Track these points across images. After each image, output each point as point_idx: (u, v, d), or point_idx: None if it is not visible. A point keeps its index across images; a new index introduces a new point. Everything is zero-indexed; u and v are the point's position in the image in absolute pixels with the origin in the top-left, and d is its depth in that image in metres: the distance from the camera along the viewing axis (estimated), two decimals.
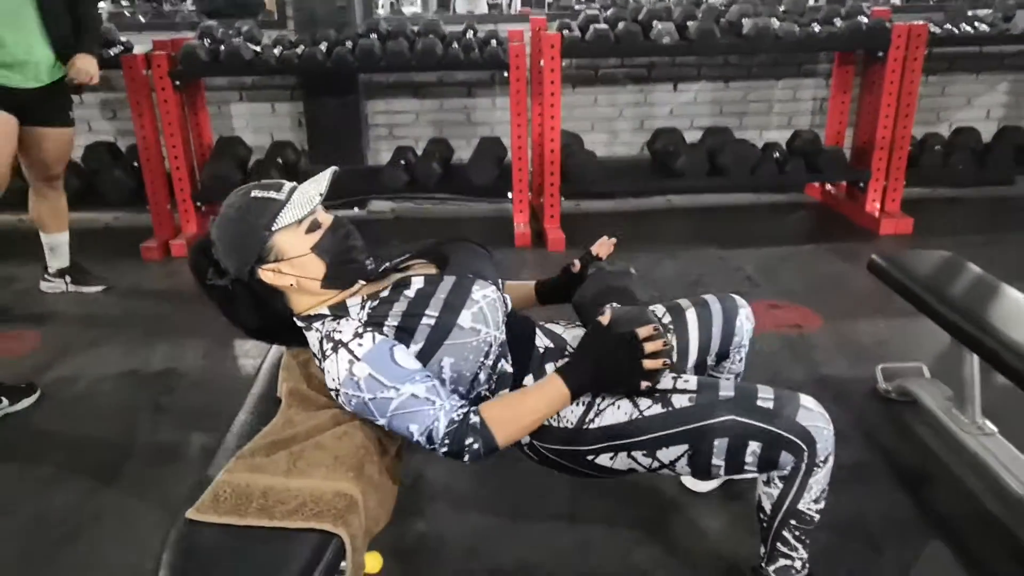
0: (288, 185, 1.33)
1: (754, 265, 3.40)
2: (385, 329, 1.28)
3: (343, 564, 1.13)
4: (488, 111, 4.43)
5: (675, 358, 1.57)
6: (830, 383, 2.39)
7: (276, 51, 3.66)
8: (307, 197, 1.30)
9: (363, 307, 1.32)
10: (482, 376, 1.34)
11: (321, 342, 1.30)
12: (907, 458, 2.02)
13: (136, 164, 3.75)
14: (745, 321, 1.63)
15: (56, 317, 3.03)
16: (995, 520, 1.77)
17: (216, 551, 1.09)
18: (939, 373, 2.25)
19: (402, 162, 3.86)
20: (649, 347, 1.26)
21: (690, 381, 1.35)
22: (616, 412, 1.32)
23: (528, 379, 1.41)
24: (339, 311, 1.33)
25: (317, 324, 1.33)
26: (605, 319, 1.30)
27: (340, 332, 1.27)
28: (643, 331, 1.26)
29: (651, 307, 1.63)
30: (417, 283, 1.34)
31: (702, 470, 1.33)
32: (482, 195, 4.08)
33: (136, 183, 3.77)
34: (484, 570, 1.66)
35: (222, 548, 1.09)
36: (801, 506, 1.35)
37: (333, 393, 1.29)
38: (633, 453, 1.33)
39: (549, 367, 1.42)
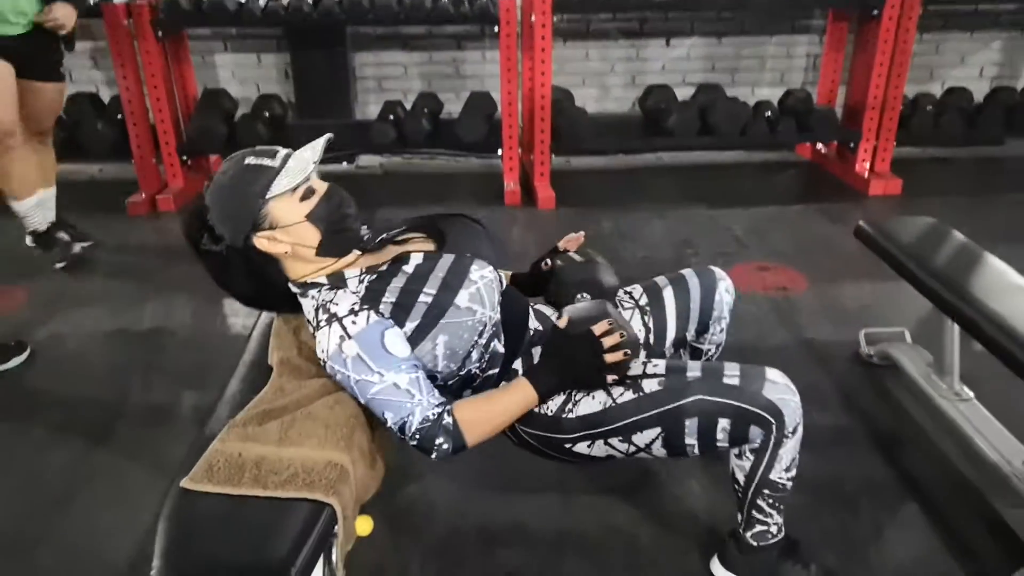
0: (282, 152, 1.32)
1: (743, 225, 3.41)
2: (382, 306, 1.28)
3: (336, 528, 1.17)
4: (478, 64, 4.36)
5: (647, 340, 1.61)
6: (814, 346, 2.43)
7: (261, 2, 3.57)
8: (301, 164, 1.29)
9: (361, 280, 1.32)
10: (474, 355, 1.36)
11: (317, 311, 1.30)
12: (886, 422, 2.07)
13: (120, 116, 3.68)
14: (724, 294, 1.64)
15: (43, 273, 3.01)
16: (967, 483, 1.83)
17: (211, 520, 1.12)
18: (921, 337, 2.29)
19: (391, 117, 3.81)
20: (607, 342, 1.29)
21: (659, 365, 1.38)
22: (591, 402, 1.36)
23: (517, 362, 1.43)
24: (337, 281, 1.33)
25: (313, 292, 1.34)
26: (562, 322, 1.34)
27: (336, 305, 1.28)
28: (599, 328, 1.30)
29: (628, 288, 1.67)
30: (416, 259, 1.35)
31: (677, 451, 1.37)
32: (472, 151, 4.04)
33: (120, 135, 3.71)
34: (472, 529, 1.71)
35: (217, 517, 1.12)
36: (773, 476, 1.40)
37: (321, 363, 1.30)
38: (610, 440, 1.36)
39: (536, 351, 1.44)
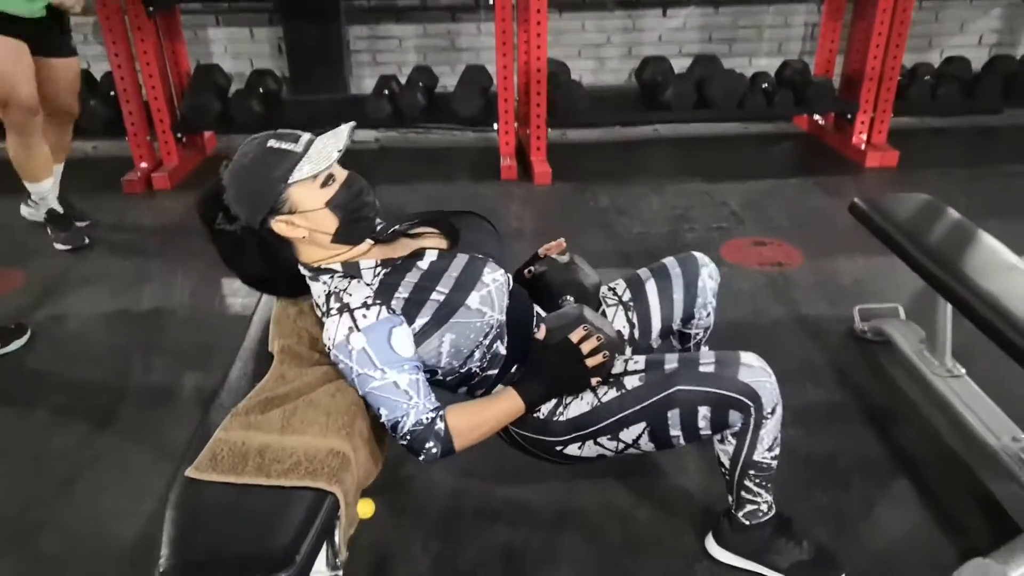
0: (305, 137, 1.32)
1: (739, 199, 3.41)
2: (394, 301, 1.30)
3: (339, 515, 1.19)
4: (473, 36, 4.32)
5: (632, 335, 1.64)
6: (809, 322, 2.45)
7: None
8: (325, 152, 1.29)
9: (376, 273, 1.33)
10: (477, 354, 1.38)
11: (328, 297, 1.31)
12: (878, 397, 2.10)
13: (112, 93, 3.65)
14: (708, 280, 1.66)
15: (39, 254, 3.01)
16: (958, 459, 1.86)
17: (216, 509, 1.14)
18: (914, 312, 2.31)
19: (386, 92, 3.78)
20: (585, 347, 1.32)
21: (639, 361, 1.41)
22: (580, 403, 1.39)
23: (514, 369, 1.45)
24: (351, 270, 1.34)
25: (325, 277, 1.35)
26: (540, 334, 1.37)
27: (350, 295, 1.29)
28: (575, 335, 1.33)
29: (612, 284, 1.69)
30: (431, 256, 1.36)
31: (664, 443, 1.40)
32: (468, 125, 4.02)
33: (114, 113, 3.68)
34: (472, 509, 1.74)
35: (222, 506, 1.14)
36: (756, 457, 1.42)
37: (326, 349, 1.32)
38: (599, 440, 1.39)
39: None
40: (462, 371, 1.40)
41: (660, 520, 1.71)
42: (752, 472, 1.45)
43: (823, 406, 2.07)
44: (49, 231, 3.05)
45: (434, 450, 1.27)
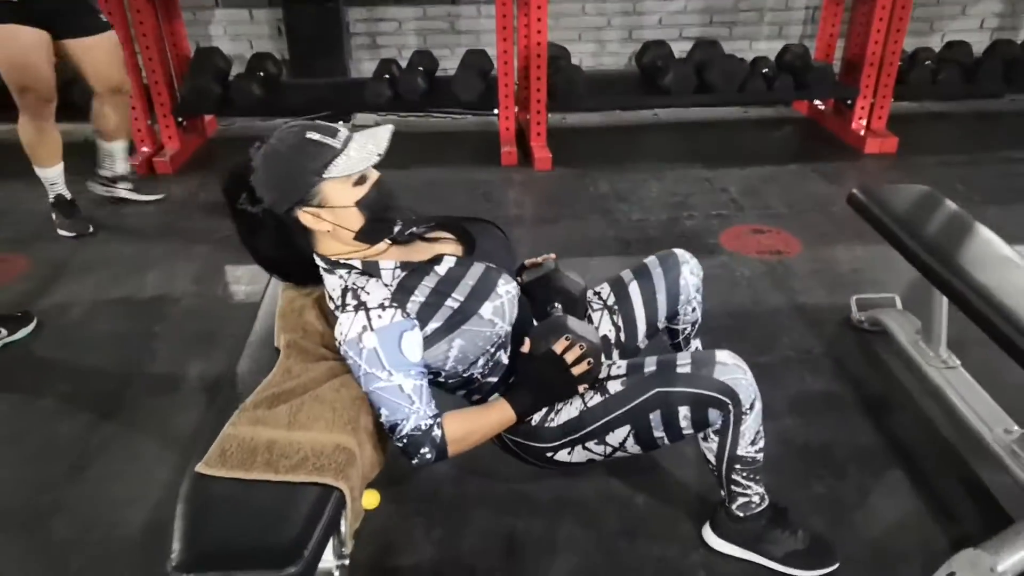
0: (343, 132, 1.33)
1: (739, 186, 3.42)
2: (409, 304, 1.32)
3: (345, 510, 1.22)
4: (473, 19, 4.30)
5: (619, 338, 1.67)
6: (806, 311, 2.48)
7: None
8: (365, 152, 1.30)
9: (395, 275, 1.35)
10: (481, 361, 1.41)
11: (344, 293, 1.33)
12: (874, 387, 2.13)
13: None
14: (690, 276, 1.68)
15: (41, 239, 3.02)
16: (952, 449, 1.90)
17: (226, 504, 1.17)
18: (911, 302, 2.33)
19: (386, 76, 3.77)
20: (569, 357, 1.36)
21: (621, 366, 1.45)
22: (570, 409, 1.43)
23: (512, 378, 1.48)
24: (371, 269, 1.36)
25: (342, 272, 1.36)
26: (525, 348, 1.40)
27: (368, 294, 1.31)
28: (558, 346, 1.37)
29: (597, 288, 1.71)
30: (448, 262, 1.38)
31: (649, 444, 1.44)
32: (468, 109, 4.02)
33: None
34: (474, 497, 1.78)
35: (231, 501, 1.17)
36: (740, 452, 1.46)
37: (337, 344, 1.34)
38: (587, 445, 1.43)
39: None
40: (464, 376, 1.43)
41: (657, 508, 1.75)
42: (738, 467, 1.48)
43: (820, 395, 2.10)
44: (54, 216, 3.05)
45: (428, 456, 1.31)
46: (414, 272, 1.36)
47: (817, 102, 4.21)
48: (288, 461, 1.21)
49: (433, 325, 1.33)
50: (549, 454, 1.46)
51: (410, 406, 1.29)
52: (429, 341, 1.33)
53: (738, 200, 3.29)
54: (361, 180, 1.33)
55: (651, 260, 1.70)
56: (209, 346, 2.35)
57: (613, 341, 1.66)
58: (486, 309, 1.35)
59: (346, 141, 1.32)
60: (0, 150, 3.92)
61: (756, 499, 1.54)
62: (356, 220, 1.34)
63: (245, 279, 2.71)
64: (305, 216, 1.33)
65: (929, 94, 4.22)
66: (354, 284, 1.33)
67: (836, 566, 1.58)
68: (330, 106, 4.03)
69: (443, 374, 1.42)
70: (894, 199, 2.13)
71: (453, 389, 1.49)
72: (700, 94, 3.80)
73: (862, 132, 3.80)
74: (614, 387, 1.41)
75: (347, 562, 1.33)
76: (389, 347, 1.28)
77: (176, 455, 1.92)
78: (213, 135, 4.12)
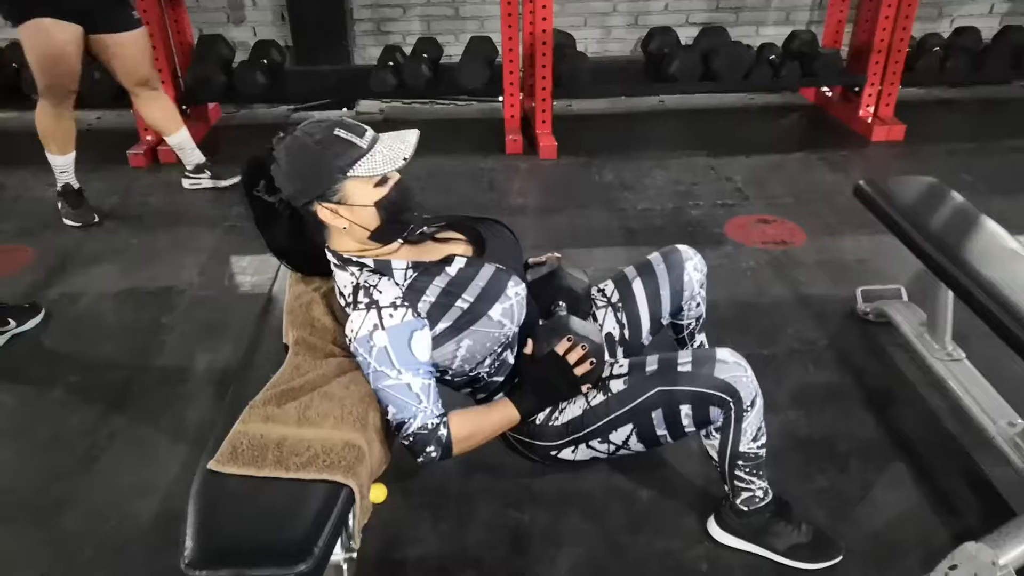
0: (370, 133, 1.34)
1: (744, 175, 3.41)
2: (420, 304, 1.33)
3: (354, 508, 1.24)
4: (477, 5, 4.27)
5: (623, 335, 1.67)
6: (811, 303, 2.48)
7: None
8: (392, 155, 1.31)
9: (406, 275, 1.36)
10: (488, 361, 1.42)
11: (356, 290, 1.34)
12: (878, 379, 2.14)
13: None
14: (693, 272, 1.69)
15: (46, 230, 3.03)
16: (955, 442, 1.91)
17: (237, 501, 1.18)
18: (916, 293, 2.33)
19: (390, 63, 3.76)
20: (572, 357, 1.38)
21: (623, 365, 1.46)
22: (573, 408, 1.44)
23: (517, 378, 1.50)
24: (383, 268, 1.36)
25: (354, 269, 1.37)
26: (528, 349, 1.42)
27: (380, 293, 1.32)
28: (560, 347, 1.38)
29: (601, 285, 1.72)
30: (459, 263, 1.39)
31: (652, 442, 1.45)
32: (473, 96, 4.00)
33: (117, 84, 3.65)
34: (481, 489, 1.79)
35: (242, 498, 1.18)
36: (742, 448, 1.47)
37: (347, 341, 1.35)
38: (591, 443, 1.45)
39: None
40: (471, 375, 1.44)
41: (661, 502, 1.76)
42: (740, 463, 1.50)
43: (823, 388, 2.11)
44: (60, 205, 3.06)
45: (433, 454, 1.32)
46: (425, 272, 1.37)
47: (824, 89, 4.18)
48: (298, 458, 1.22)
49: (442, 325, 1.34)
50: (553, 452, 1.48)
51: (417, 405, 1.31)
52: (438, 341, 1.35)
53: (743, 189, 3.28)
54: (383, 181, 1.34)
55: (654, 257, 1.71)
56: (217, 337, 2.37)
57: (617, 338, 1.67)
58: (495, 310, 1.36)
59: (372, 141, 1.33)
60: (5, 138, 3.97)
61: (759, 493, 1.55)
62: (373, 220, 1.35)
63: (251, 269, 2.72)
64: (323, 211, 1.34)
65: (937, 80, 4.19)
66: (366, 282, 1.34)
67: (840, 559, 1.59)
68: (334, 94, 4.03)
69: (450, 373, 1.43)
70: (900, 191, 2.13)
71: (459, 387, 1.51)
72: (706, 81, 3.77)
73: (869, 120, 3.78)
74: (616, 386, 1.43)
75: (355, 555, 1.35)
76: (399, 346, 1.30)
77: (186, 447, 1.94)
78: (217, 123, 4.12)
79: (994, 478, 1.79)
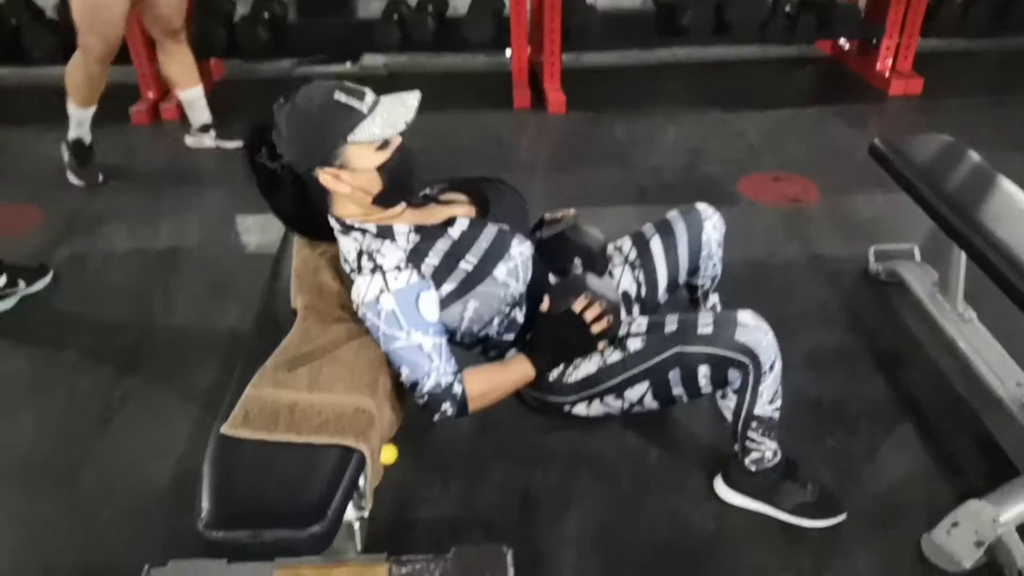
0: (370, 96, 1.33)
1: (757, 130, 3.35)
2: (424, 267, 1.33)
3: (365, 470, 1.25)
4: None
5: (639, 294, 1.66)
6: (824, 262, 2.46)
7: None
8: (392, 119, 1.30)
9: (409, 238, 1.35)
10: (496, 321, 1.42)
11: (360, 256, 1.35)
12: (889, 341, 2.13)
13: None
14: (712, 232, 1.67)
15: (52, 189, 3.01)
16: (963, 403, 1.91)
17: (251, 465, 1.20)
18: (930, 252, 2.30)
19: (395, 16, 3.68)
20: (589, 315, 1.37)
21: (641, 323, 1.45)
22: (588, 365, 1.44)
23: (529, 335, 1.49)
24: (385, 233, 1.36)
25: (357, 235, 1.37)
26: (544, 306, 1.41)
27: (383, 256, 1.32)
28: (578, 305, 1.38)
29: (618, 243, 1.70)
30: (461, 225, 1.38)
31: (667, 401, 1.45)
32: (479, 50, 3.92)
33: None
34: (491, 450, 1.81)
35: (256, 462, 1.20)
36: (757, 411, 1.47)
37: (354, 306, 1.35)
38: (605, 399, 1.45)
39: None
40: (480, 335, 1.44)
41: (670, 461, 1.78)
42: (755, 424, 1.50)
43: (834, 349, 2.10)
44: (65, 160, 3.02)
45: (449, 411, 1.33)
46: (428, 235, 1.36)
47: (841, 41, 4.08)
48: (310, 423, 1.23)
49: (447, 287, 1.33)
50: (567, 408, 1.48)
51: (430, 364, 1.31)
52: (444, 303, 1.34)
53: (756, 145, 3.23)
54: (384, 145, 1.33)
55: (673, 215, 1.69)
56: (224, 298, 2.37)
57: (634, 296, 1.66)
58: (500, 271, 1.35)
59: (373, 105, 1.31)
60: (6, 95, 3.93)
61: (769, 455, 1.56)
62: (376, 184, 1.34)
63: (256, 229, 2.71)
64: (325, 177, 1.33)
65: (958, 31, 4.06)
66: (369, 247, 1.34)
67: (844, 517, 1.60)
68: (337, 48, 3.96)
69: (459, 334, 1.43)
70: (916, 150, 2.09)
71: (470, 347, 1.51)
72: (719, 34, 3.69)
73: (887, 73, 3.69)
74: (634, 344, 1.42)
75: (366, 515, 1.37)
76: (407, 307, 1.30)
77: (197, 407, 1.95)
78: (219, 78, 4.06)
79: (1001, 439, 1.79)
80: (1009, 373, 1.85)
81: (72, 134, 3.00)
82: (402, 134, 1.34)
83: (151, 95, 3.63)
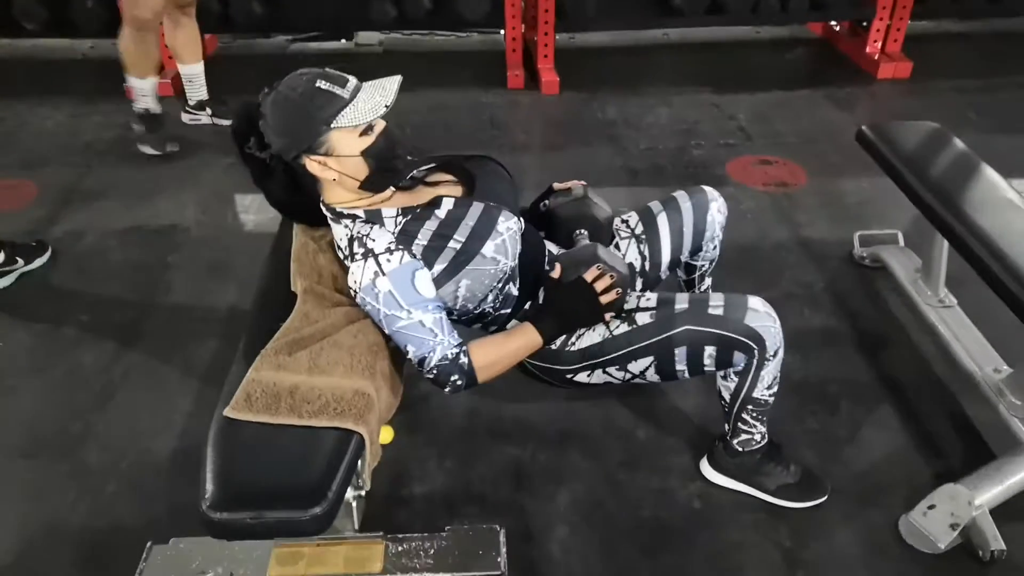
0: (352, 82, 1.35)
1: (748, 113, 3.38)
2: (414, 247, 1.36)
3: (364, 452, 1.30)
4: None
5: (643, 267, 1.70)
6: (810, 246, 2.50)
7: None
8: (373, 103, 1.33)
9: (396, 221, 1.38)
10: (490, 297, 1.45)
11: (351, 242, 1.38)
12: (872, 324, 2.19)
13: None
14: (716, 214, 1.71)
15: (48, 163, 3.02)
16: (943, 386, 1.97)
17: (253, 447, 1.24)
18: (913, 237, 2.36)
19: None
20: (599, 285, 1.39)
21: (651, 299, 1.49)
22: (592, 335, 1.47)
23: (527, 305, 1.52)
24: (373, 217, 1.39)
25: (347, 221, 1.40)
26: (555, 273, 1.43)
27: (373, 241, 1.35)
28: (589, 275, 1.40)
29: (625, 216, 1.73)
30: (447, 204, 1.40)
31: (669, 376, 1.50)
32: (474, 27, 3.92)
33: (110, 14, 3.57)
34: (484, 429, 1.86)
35: (258, 444, 1.24)
36: (756, 394, 1.53)
37: (352, 293, 1.39)
38: (608, 369, 1.49)
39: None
40: (476, 312, 1.48)
41: (657, 440, 1.83)
42: (750, 407, 1.55)
43: (818, 331, 2.16)
44: (135, 129, 3.05)
45: (459, 382, 1.36)
46: (415, 217, 1.39)
47: (833, 23, 4.09)
48: (311, 406, 1.27)
49: (438, 267, 1.37)
50: (569, 376, 1.52)
51: (434, 339, 1.35)
52: (436, 283, 1.38)
53: (746, 128, 3.25)
54: (368, 130, 1.35)
55: (680, 194, 1.73)
56: (222, 276, 2.40)
57: (638, 270, 1.70)
58: (488, 248, 1.38)
59: (355, 91, 1.34)
60: (3, 67, 3.89)
61: (758, 437, 1.62)
62: (362, 169, 1.37)
63: (254, 207, 2.73)
64: (312, 164, 1.36)
65: (949, 12, 4.09)
66: (359, 233, 1.37)
67: (825, 498, 1.67)
68: (332, 24, 3.94)
69: (455, 312, 1.46)
70: (902, 137, 2.13)
71: (468, 323, 1.54)
72: (713, 14, 3.69)
73: (876, 56, 3.71)
74: (642, 319, 1.46)
75: (364, 492, 1.42)
76: (403, 287, 1.34)
77: (197, 383, 2.00)
78: (213, 54, 4.03)
79: (978, 422, 1.85)
80: (987, 359, 1.91)
81: (139, 106, 3.02)
82: (391, 116, 1.36)
83: None
